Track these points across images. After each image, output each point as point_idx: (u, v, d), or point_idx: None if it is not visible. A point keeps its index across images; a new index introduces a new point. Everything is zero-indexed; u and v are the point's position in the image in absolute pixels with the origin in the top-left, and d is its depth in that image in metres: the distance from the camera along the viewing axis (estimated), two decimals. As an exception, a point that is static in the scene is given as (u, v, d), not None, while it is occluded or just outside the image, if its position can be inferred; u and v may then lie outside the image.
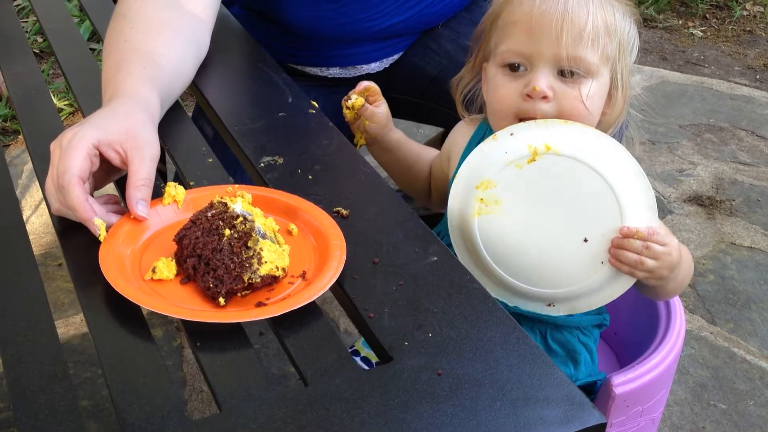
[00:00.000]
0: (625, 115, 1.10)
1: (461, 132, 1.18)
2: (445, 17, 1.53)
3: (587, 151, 1.01)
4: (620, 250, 0.99)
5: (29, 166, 2.35)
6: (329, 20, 1.43)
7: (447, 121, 1.45)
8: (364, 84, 1.18)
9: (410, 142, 1.23)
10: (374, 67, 1.53)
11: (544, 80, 1.01)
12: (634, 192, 1.00)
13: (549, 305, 1.06)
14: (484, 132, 1.14)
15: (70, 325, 1.79)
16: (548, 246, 1.03)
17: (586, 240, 1.01)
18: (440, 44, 1.51)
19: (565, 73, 1.01)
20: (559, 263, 1.03)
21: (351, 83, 1.53)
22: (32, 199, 2.22)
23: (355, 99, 1.17)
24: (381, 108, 1.18)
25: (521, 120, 1.04)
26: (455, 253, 1.05)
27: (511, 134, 1.03)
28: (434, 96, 1.44)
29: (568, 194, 1.02)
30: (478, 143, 1.12)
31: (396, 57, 1.55)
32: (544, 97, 1.01)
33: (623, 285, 1.03)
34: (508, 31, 1.04)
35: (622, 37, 1.04)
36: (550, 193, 1.02)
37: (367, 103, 1.18)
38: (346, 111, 1.18)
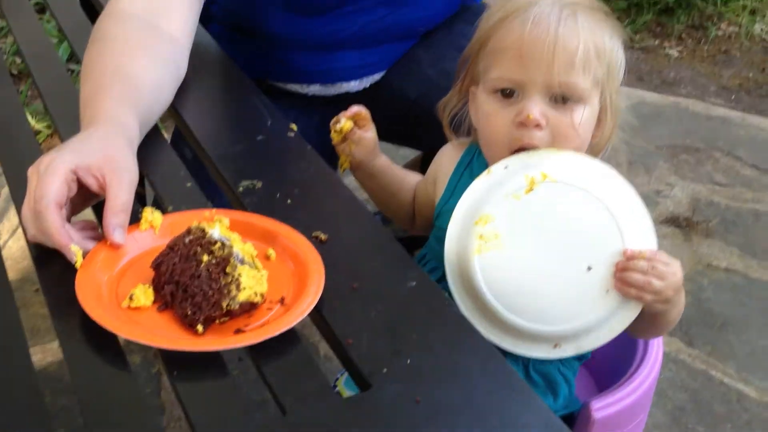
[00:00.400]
0: (615, 137, 1.10)
1: (448, 156, 1.17)
2: (423, 25, 1.53)
3: (584, 177, 1.01)
4: (626, 272, 0.98)
5: (6, 190, 2.33)
6: (308, 26, 1.44)
7: (427, 144, 1.46)
8: (355, 108, 1.17)
9: (394, 168, 1.23)
10: (354, 85, 1.54)
11: (537, 108, 1.00)
12: (633, 216, 1.00)
13: (555, 346, 1.02)
14: (472, 155, 1.13)
15: (47, 351, 1.76)
16: (551, 278, 1.00)
17: (589, 268, 0.99)
18: (421, 68, 1.52)
19: (557, 99, 1.01)
20: (563, 294, 1.00)
21: (331, 102, 1.54)
22: (9, 224, 2.20)
23: (344, 122, 1.16)
24: (369, 133, 1.17)
25: (515, 149, 1.03)
26: (456, 302, 1.02)
27: (506, 167, 1.03)
28: (415, 119, 1.44)
29: (568, 222, 1.01)
30: (467, 167, 1.12)
31: (377, 77, 1.56)
32: (537, 125, 1.01)
33: (629, 314, 1.00)
34: (499, 57, 1.04)
35: (611, 59, 1.04)
36: (550, 223, 1.01)
37: (356, 127, 1.17)
38: (333, 134, 1.18)
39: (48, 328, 1.82)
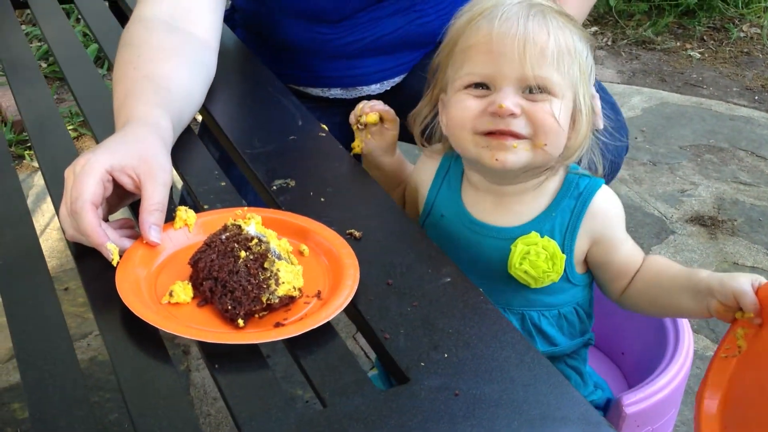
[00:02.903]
0: (589, 141, 1.06)
1: (425, 168, 1.16)
2: (441, 33, 1.53)
3: None
4: None
5: (35, 190, 2.37)
6: (325, 36, 1.46)
7: None
8: (385, 108, 1.18)
9: (403, 166, 1.23)
10: (375, 89, 1.55)
11: (509, 99, 0.97)
12: None
13: None
14: (448, 165, 1.13)
15: (77, 349, 1.78)
16: None
17: None
18: None
19: (533, 90, 0.98)
20: None
21: (352, 104, 1.55)
22: (38, 224, 2.23)
23: (371, 115, 1.17)
24: (391, 131, 1.19)
25: (483, 132, 1.00)
26: None
27: None
28: None
29: None
30: (444, 178, 1.13)
31: (397, 80, 1.57)
32: (511, 114, 0.97)
33: None
34: (468, 55, 1.01)
35: (581, 61, 1.01)
36: None
37: (381, 123, 1.18)
38: (353, 116, 1.19)
39: (77, 325, 1.85)
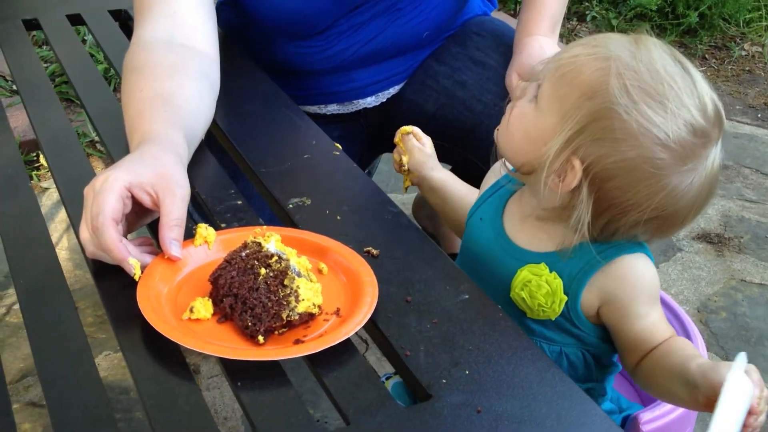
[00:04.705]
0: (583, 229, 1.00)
1: (494, 171, 1.17)
2: (427, 28, 1.53)
3: None
4: None
5: (43, 210, 2.37)
6: (308, 49, 1.48)
7: (447, 158, 1.48)
8: (405, 127, 1.23)
9: (458, 183, 1.23)
10: (371, 101, 1.57)
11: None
12: None
13: None
14: (509, 179, 1.11)
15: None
16: None
17: None
18: (437, 81, 1.54)
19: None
20: None
21: (350, 118, 1.57)
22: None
23: (404, 129, 1.23)
24: (422, 144, 1.22)
25: None
26: None
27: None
28: (434, 133, 1.47)
29: None
30: (500, 186, 1.12)
31: (393, 91, 1.58)
32: None
33: None
34: None
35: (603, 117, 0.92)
36: None
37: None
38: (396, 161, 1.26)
39: (93, 342, 1.84)
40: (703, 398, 0.87)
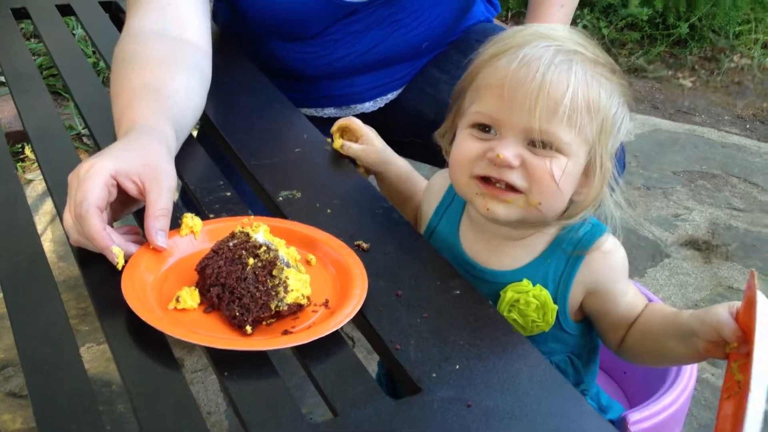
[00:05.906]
0: (602, 196, 0.99)
1: (434, 190, 1.13)
2: (426, 40, 1.52)
3: None
4: None
5: (28, 201, 2.34)
6: (305, 54, 1.46)
7: (445, 164, 1.46)
8: (338, 122, 1.19)
9: (411, 176, 1.20)
10: (368, 106, 1.55)
11: (511, 150, 0.92)
12: None
13: None
14: (453, 194, 1.09)
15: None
16: None
17: None
18: (437, 88, 1.53)
19: (536, 144, 0.92)
20: None
21: None
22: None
23: (334, 142, 1.17)
24: (366, 145, 1.17)
25: (478, 176, 0.95)
26: None
27: None
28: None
29: None
30: (447, 208, 1.09)
31: (390, 97, 1.57)
32: (509, 166, 0.92)
33: None
34: (481, 93, 0.97)
35: (606, 117, 0.94)
36: None
37: (345, 140, 1.18)
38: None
39: (76, 334, 1.82)
40: (703, 344, 0.88)
